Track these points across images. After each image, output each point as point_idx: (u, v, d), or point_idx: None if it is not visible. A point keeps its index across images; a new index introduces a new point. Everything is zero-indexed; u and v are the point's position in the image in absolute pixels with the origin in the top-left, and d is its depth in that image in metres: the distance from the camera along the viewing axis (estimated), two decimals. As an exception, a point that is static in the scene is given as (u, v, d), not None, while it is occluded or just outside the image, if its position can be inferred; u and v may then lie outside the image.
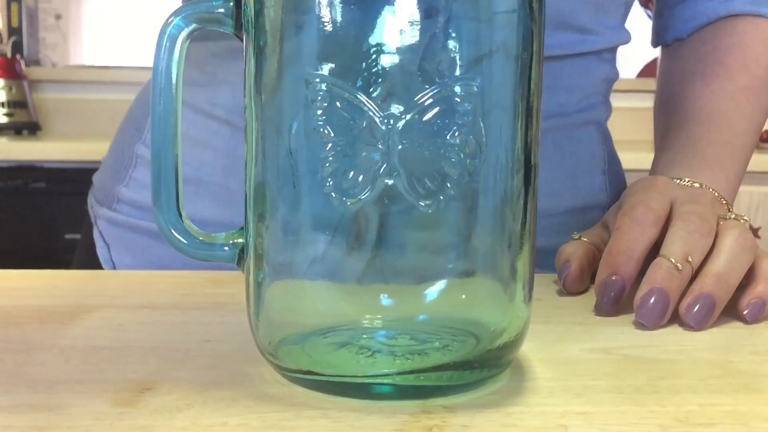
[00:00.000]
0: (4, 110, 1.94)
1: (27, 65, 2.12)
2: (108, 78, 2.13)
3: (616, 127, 0.76)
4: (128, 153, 0.59)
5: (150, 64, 0.32)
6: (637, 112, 1.75)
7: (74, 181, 1.65)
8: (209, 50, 0.55)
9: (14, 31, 2.28)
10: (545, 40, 0.51)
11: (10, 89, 1.95)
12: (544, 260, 0.50)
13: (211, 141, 0.55)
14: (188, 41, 0.32)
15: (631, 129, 1.67)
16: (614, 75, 0.60)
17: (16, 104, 1.96)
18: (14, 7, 2.29)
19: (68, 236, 1.67)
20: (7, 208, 1.70)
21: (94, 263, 0.59)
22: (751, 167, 0.57)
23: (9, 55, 2.06)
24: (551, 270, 0.46)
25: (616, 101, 0.64)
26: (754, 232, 1.74)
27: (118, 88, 2.09)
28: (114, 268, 0.58)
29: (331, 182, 0.28)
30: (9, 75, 1.95)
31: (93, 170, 0.67)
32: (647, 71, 2.14)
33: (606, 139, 0.61)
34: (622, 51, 0.61)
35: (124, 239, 0.58)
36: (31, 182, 1.70)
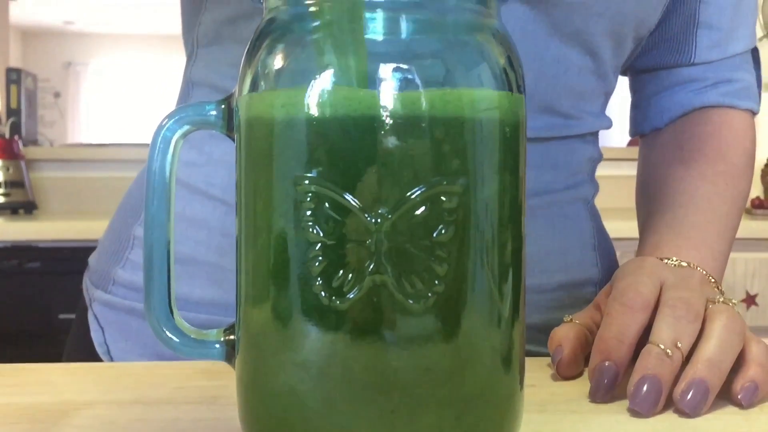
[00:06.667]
0: (1, 190, 1.95)
1: (25, 145, 2.14)
2: (105, 156, 2.16)
3: (607, 195, 0.77)
4: (125, 234, 0.60)
5: (147, 140, 0.33)
6: (628, 180, 1.77)
7: (69, 260, 1.65)
8: (207, 130, 0.57)
9: (13, 112, 2.32)
10: (533, 123, 0.52)
11: (8, 169, 1.97)
12: (537, 337, 0.50)
13: (207, 220, 0.55)
14: (182, 142, 0.33)
15: (623, 196, 1.69)
16: (598, 155, 0.61)
17: (13, 184, 1.97)
18: (14, 88, 2.34)
19: (62, 316, 1.66)
20: (1, 288, 1.69)
21: (87, 346, 0.59)
22: (746, 234, 0.58)
23: (7, 135, 2.09)
24: (544, 346, 0.46)
25: (608, 169, 0.65)
26: (752, 299, 1.73)
27: (114, 166, 2.12)
28: (108, 351, 0.58)
29: (320, 281, 0.28)
30: (7, 156, 1.98)
31: (88, 249, 0.67)
32: (637, 140, 2.18)
33: (594, 215, 0.62)
34: (614, 120, 0.63)
35: (118, 322, 0.58)
36: (26, 262, 1.70)
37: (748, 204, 2.02)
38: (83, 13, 6.46)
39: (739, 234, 0.60)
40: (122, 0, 6.01)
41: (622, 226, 1.12)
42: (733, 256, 0.55)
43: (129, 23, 6.78)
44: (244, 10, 0.53)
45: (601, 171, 0.64)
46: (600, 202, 0.64)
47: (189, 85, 0.61)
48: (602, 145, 0.64)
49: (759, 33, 2.22)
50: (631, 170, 0.70)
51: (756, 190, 2.17)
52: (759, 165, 2.20)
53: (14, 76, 2.37)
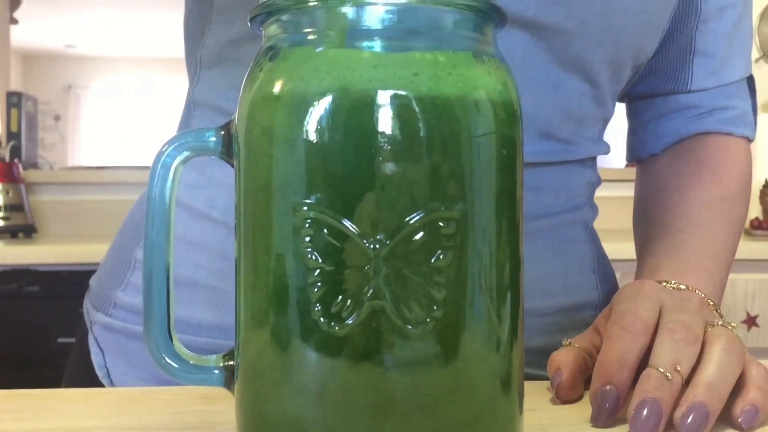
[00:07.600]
0: (1, 214, 1.95)
1: (25, 168, 2.15)
2: (105, 179, 2.16)
3: (606, 216, 0.77)
4: (127, 257, 0.60)
5: (148, 163, 0.33)
6: (627, 201, 1.77)
7: (68, 284, 1.65)
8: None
9: (13, 135, 2.33)
10: (532, 148, 0.53)
11: (8, 193, 1.97)
12: (537, 360, 0.50)
13: (207, 243, 0.55)
14: (181, 168, 0.33)
15: (622, 217, 1.69)
16: (596, 179, 0.62)
17: (12, 208, 1.97)
18: (14, 112, 2.35)
19: (61, 340, 1.65)
20: (0, 312, 1.69)
21: (88, 369, 0.58)
22: (745, 255, 0.58)
23: (7, 159, 2.10)
24: (544, 369, 0.46)
25: (607, 190, 0.65)
26: (752, 320, 1.73)
27: (115, 189, 2.12)
28: (108, 374, 0.58)
29: (319, 307, 0.28)
30: (7, 179, 1.98)
31: (88, 273, 0.67)
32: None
33: (593, 238, 0.62)
34: (611, 142, 0.63)
35: (119, 345, 0.58)
36: (26, 286, 1.70)
37: (748, 225, 2.02)
38: (84, 36, 6.50)
39: (739, 255, 0.60)
40: (122, 24, 6.05)
41: (621, 247, 1.12)
42: (733, 277, 0.55)
43: (129, 47, 6.82)
44: (247, 32, 0.53)
45: (600, 192, 0.64)
46: (599, 223, 0.64)
47: (191, 105, 0.61)
48: (600, 166, 0.64)
49: (755, 54, 2.23)
50: (629, 191, 0.70)
51: (755, 211, 2.17)
52: (758, 186, 2.20)
53: (15, 99, 2.38)
